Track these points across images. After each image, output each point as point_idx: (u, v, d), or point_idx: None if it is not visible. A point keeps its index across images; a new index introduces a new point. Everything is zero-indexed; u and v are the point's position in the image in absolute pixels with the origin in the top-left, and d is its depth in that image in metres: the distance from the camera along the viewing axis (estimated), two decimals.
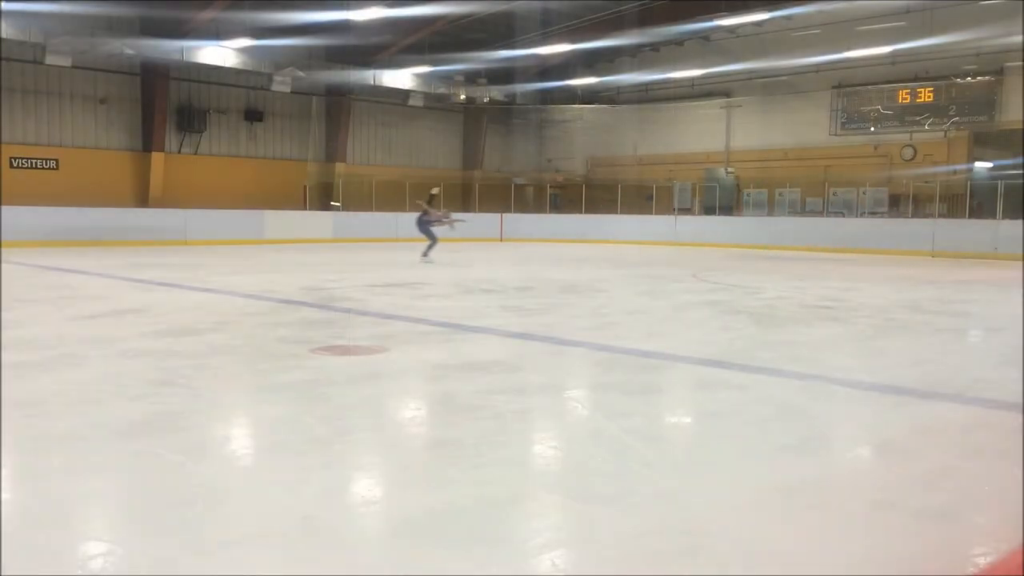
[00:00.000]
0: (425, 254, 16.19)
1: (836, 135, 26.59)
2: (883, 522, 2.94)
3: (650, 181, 29.94)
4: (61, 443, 3.75)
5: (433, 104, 30.33)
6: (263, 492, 3.19)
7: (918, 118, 24.94)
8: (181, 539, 2.71)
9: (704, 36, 27.88)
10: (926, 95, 24.81)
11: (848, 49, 24.39)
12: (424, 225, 16.52)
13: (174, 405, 4.44)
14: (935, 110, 24.65)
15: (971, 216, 22.69)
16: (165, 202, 24.38)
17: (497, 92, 29.94)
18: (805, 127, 27.19)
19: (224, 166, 26.36)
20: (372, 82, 26.65)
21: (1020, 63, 22.60)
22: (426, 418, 4.50)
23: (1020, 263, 18.16)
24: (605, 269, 15.34)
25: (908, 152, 25.17)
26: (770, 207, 27.36)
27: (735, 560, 2.63)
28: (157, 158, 24.46)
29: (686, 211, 28.86)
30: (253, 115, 26.74)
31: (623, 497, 3.15)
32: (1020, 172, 21.46)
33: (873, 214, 25.25)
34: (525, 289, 11.16)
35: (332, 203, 28.31)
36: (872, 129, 25.84)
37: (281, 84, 25.14)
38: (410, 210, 28.68)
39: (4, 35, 20.17)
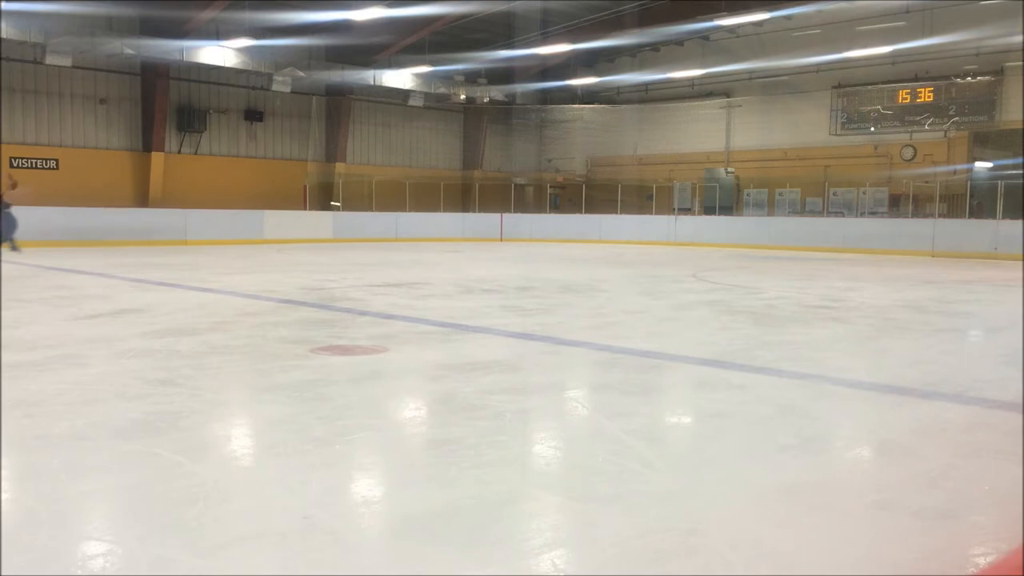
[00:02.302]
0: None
1: (836, 135, 26.60)
2: (883, 522, 2.94)
3: (650, 181, 29.94)
4: (61, 443, 3.75)
5: (433, 104, 30.34)
6: (263, 492, 3.19)
7: (918, 118, 24.95)
8: (181, 539, 2.71)
9: (704, 36, 27.89)
10: (926, 95, 24.83)
11: (848, 49, 24.40)
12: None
13: (174, 405, 4.44)
14: (935, 110, 24.66)
15: (971, 216, 22.70)
16: (165, 202, 24.39)
17: (497, 92, 29.94)
18: (805, 127, 27.21)
19: (224, 166, 26.38)
20: (372, 82, 26.66)
21: (1020, 63, 22.61)
22: (426, 418, 4.50)
23: (1020, 263, 18.16)
24: (605, 269, 15.34)
25: (908, 152, 25.18)
26: (770, 207, 27.37)
27: (735, 560, 2.63)
28: (157, 158, 24.49)
29: (686, 211, 28.86)
30: (253, 115, 26.76)
31: (623, 497, 3.15)
32: (1020, 172, 21.47)
33: (873, 214, 25.27)
34: (525, 289, 11.16)
35: (332, 203, 28.32)
36: (872, 129, 25.85)
37: (281, 84, 25.16)
38: (409, 210, 28.81)
39: (4, 35, 20.19)
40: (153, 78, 23.92)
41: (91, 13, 21.45)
